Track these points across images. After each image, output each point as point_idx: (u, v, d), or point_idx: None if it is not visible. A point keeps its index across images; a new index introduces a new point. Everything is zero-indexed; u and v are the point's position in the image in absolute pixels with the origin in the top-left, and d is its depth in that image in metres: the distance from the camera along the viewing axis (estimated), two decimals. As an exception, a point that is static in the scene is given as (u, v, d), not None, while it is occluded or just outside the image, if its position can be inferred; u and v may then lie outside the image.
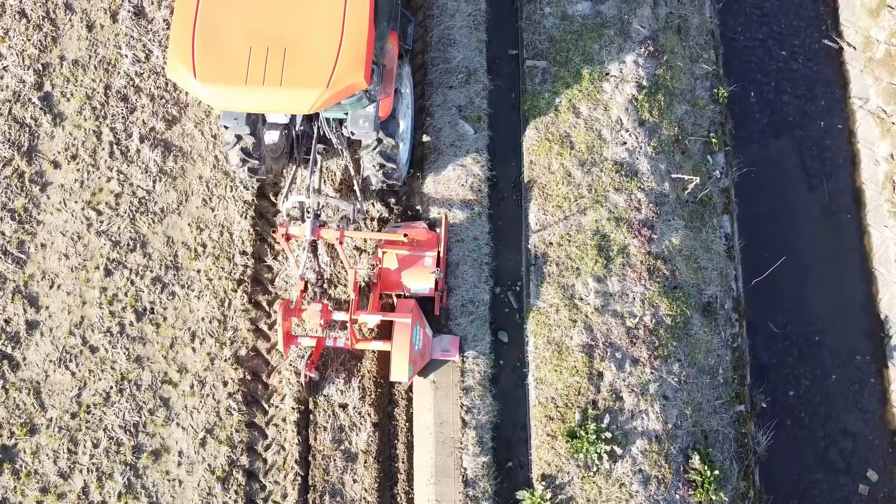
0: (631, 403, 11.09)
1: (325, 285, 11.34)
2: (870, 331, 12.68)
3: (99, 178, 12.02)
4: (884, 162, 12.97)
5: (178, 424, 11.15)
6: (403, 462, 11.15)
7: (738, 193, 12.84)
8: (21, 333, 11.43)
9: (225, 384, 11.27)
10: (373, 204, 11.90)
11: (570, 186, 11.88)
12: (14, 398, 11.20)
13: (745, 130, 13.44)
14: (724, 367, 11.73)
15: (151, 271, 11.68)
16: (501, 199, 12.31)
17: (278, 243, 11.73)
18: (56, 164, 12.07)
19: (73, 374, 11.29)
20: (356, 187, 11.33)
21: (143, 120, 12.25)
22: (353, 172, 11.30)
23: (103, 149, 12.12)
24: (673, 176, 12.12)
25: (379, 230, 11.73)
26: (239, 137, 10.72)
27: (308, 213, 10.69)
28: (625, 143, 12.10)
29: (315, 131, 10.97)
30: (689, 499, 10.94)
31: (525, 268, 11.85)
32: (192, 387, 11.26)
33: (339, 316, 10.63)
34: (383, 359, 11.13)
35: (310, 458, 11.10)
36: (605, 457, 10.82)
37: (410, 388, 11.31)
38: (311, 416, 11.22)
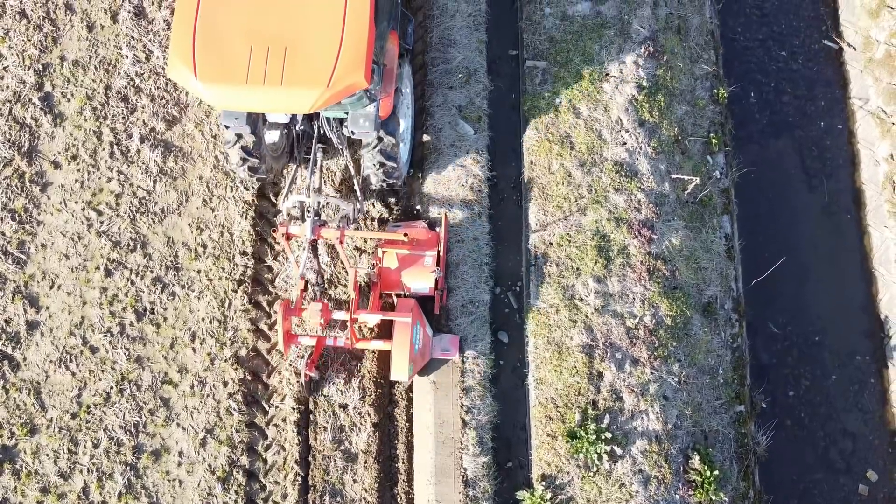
0: (631, 404, 11.08)
1: (326, 285, 11.34)
2: (870, 331, 12.67)
3: (99, 178, 12.03)
4: (884, 162, 12.97)
5: (178, 425, 11.15)
6: (403, 462, 11.14)
7: (738, 194, 12.84)
8: (21, 334, 11.43)
9: (225, 384, 11.27)
10: (373, 204, 11.91)
11: (570, 187, 11.89)
12: (14, 398, 11.19)
13: (745, 131, 13.44)
14: (724, 368, 11.73)
15: (152, 271, 11.68)
16: (501, 199, 12.32)
17: (278, 243, 11.73)
18: (56, 165, 12.08)
19: (73, 374, 11.29)
20: (356, 187, 11.33)
21: (144, 120, 12.26)
22: (353, 172, 11.31)
23: (104, 149, 12.13)
24: (673, 176, 12.13)
25: (379, 230, 11.74)
26: (239, 136, 10.72)
27: (308, 212, 10.70)
28: (625, 143, 12.11)
29: (315, 131, 10.98)
30: (689, 499, 10.93)
31: (525, 268, 11.85)
32: (192, 387, 11.26)
33: (339, 315, 10.64)
34: (383, 359, 11.13)
35: (310, 459, 11.09)
36: (605, 457, 10.81)
37: (410, 389, 11.31)
38: (311, 416, 11.21)
